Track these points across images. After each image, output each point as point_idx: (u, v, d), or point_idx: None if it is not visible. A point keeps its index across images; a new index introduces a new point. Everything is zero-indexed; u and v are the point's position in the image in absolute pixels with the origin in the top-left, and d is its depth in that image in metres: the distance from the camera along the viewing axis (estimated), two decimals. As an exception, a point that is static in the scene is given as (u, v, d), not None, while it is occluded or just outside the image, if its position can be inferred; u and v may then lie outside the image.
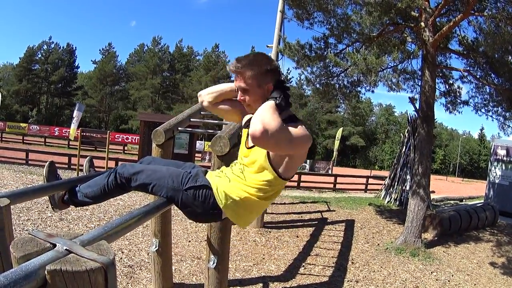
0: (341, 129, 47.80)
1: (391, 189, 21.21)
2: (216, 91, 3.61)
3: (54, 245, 1.76)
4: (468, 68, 14.83)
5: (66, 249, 1.71)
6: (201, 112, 8.58)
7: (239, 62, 3.09)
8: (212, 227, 6.25)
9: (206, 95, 3.63)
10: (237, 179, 3.23)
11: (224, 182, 3.24)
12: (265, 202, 3.29)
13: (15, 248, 1.68)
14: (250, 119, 3.02)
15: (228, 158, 5.89)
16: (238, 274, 8.36)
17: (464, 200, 27.19)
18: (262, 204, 3.28)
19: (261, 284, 8.00)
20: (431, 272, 10.29)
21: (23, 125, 66.77)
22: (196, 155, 32.28)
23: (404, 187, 20.34)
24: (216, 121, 10.01)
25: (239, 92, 3.18)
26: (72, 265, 1.58)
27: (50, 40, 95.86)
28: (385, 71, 14.26)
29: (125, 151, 44.08)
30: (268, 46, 16.86)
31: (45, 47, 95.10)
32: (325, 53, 14.50)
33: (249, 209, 3.27)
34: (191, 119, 7.91)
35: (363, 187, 27.42)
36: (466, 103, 15.98)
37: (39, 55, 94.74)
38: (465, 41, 14.36)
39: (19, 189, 3.44)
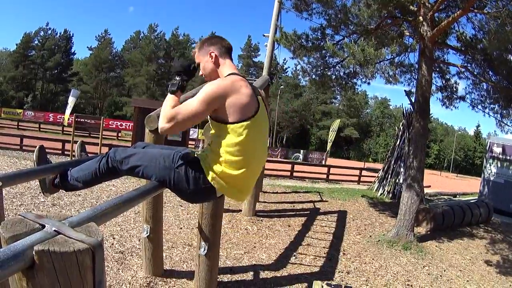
0: (338, 120, 47.97)
1: (384, 181, 21.29)
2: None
3: (43, 226, 1.76)
4: (466, 64, 14.83)
5: (54, 230, 1.71)
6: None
7: (199, 41, 3.57)
8: (203, 214, 6.28)
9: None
10: (212, 150, 3.40)
11: (206, 156, 3.39)
12: (243, 165, 3.35)
13: (4, 229, 1.68)
14: None
15: None
16: (229, 262, 8.37)
17: (458, 196, 27.29)
18: (240, 173, 3.35)
19: (252, 272, 8.00)
20: (423, 266, 10.29)
21: (18, 111, 66.87)
22: (190, 142, 32.39)
23: (397, 180, 20.42)
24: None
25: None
26: (60, 246, 1.58)
27: (47, 27, 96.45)
28: (382, 63, 14.28)
29: (119, 138, 44.27)
30: (264, 35, 16.90)
31: (42, 33, 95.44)
32: (322, 43, 14.51)
33: (233, 178, 3.35)
34: (186, 105, 7.90)
35: (356, 178, 27.43)
36: (462, 98, 15.99)
37: (36, 42, 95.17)
38: (463, 38, 14.34)
39: (10, 171, 3.43)
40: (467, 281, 9.97)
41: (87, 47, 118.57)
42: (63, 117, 35.74)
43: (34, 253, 1.52)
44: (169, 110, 3.22)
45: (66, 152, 21.59)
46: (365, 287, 8.14)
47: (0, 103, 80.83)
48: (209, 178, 3.30)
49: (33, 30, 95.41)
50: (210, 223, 6.34)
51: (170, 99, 3.35)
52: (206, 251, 6.35)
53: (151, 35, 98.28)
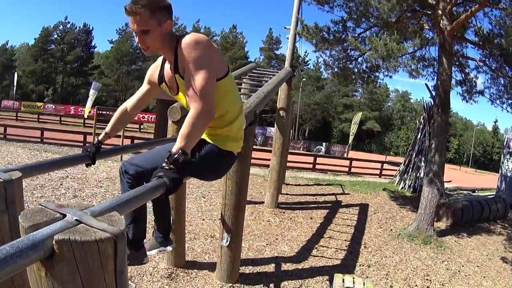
0: (360, 113, 47.83)
1: (405, 175, 21.21)
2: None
3: (64, 216, 1.75)
4: (484, 59, 14.73)
5: (76, 219, 1.70)
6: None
7: (136, 3, 3.00)
8: (226, 205, 6.34)
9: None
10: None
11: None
12: (235, 116, 3.48)
13: (24, 218, 1.68)
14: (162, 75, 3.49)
15: (244, 136, 5.89)
16: (251, 254, 8.41)
17: (476, 191, 27.05)
18: (236, 124, 3.51)
19: (273, 264, 8.03)
20: (442, 261, 10.24)
21: (38, 104, 67.12)
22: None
23: (418, 174, 20.31)
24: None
25: (138, 35, 3.12)
26: (81, 235, 1.57)
27: (66, 21, 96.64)
28: (404, 57, 14.20)
29: (141, 130, 44.37)
30: (286, 28, 16.88)
31: (61, 27, 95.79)
32: (343, 36, 14.49)
33: (233, 132, 3.49)
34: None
35: (377, 172, 27.31)
36: (481, 93, 15.88)
37: (55, 35, 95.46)
38: (480, 32, 14.25)
39: (31, 162, 3.44)
40: (484, 277, 9.91)
41: (108, 40, 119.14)
42: (84, 110, 35.91)
43: (54, 242, 1.52)
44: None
45: (87, 145, 21.70)
46: (385, 281, 8.11)
47: (20, 97, 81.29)
48: (217, 144, 3.37)
49: (52, 24, 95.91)
50: (233, 215, 6.39)
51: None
52: (228, 242, 6.40)
53: (172, 28, 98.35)
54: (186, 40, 3.08)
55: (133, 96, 3.92)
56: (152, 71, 3.69)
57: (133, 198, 2.33)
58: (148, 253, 3.83)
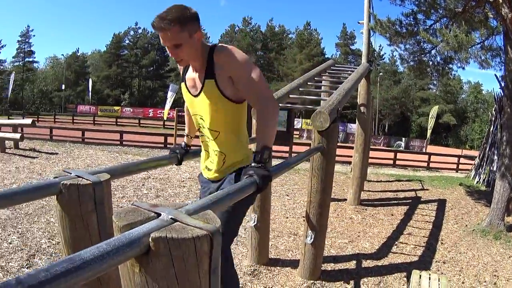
0: (436, 106, 47.31)
1: (480, 169, 20.85)
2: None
3: (159, 215, 1.83)
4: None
5: (171, 218, 1.77)
6: (300, 89, 8.63)
7: (164, 18, 2.99)
8: (311, 202, 6.34)
9: None
10: (233, 142, 3.42)
11: (237, 149, 3.45)
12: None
13: (118, 218, 1.77)
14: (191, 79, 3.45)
15: (328, 133, 6.01)
16: (333, 251, 8.43)
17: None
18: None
19: (354, 261, 7.99)
20: (509, 257, 10.03)
21: (116, 108, 69.13)
22: (294, 132, 32.35)
23: (492, 168, 19.97)
24: (315, 97, 10.03)
25: (171, 50, 3.14)
26: (178, 232, 1.64)
27: (137, 26, 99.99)
28: (474, 47, 14.02)
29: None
30: (359, 23, 16.86)
31: (132, 33, 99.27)
32: (415, 29, 14.41)
33: (241, 141, 3.49)
34: (290, 95, 7.98)
35: (454, 166, 26.97)
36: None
37: (127, 41, 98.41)
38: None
39: (118, 164, 3.57)
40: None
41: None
42: (163, 112, 36.53)
43: (150, 239, 1.59)
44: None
45: (168, 146, 22.34)
46: (458, 277, 8.01)
47: (95, 102, 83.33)
48: (246, 163, 3.42)
49: (122, 31, 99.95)
50: (317, 212, 6.39)
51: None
52: (312, 240, 6.41)
53: (246, 28, 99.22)
54: (225, 48, 3.22)
55: None
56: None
57: (225, 196, 2.43)
58: None
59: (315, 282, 6.69)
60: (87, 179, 2.56)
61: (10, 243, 6.80)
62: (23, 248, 6.63)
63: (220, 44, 3.26)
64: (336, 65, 14.62)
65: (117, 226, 1.75)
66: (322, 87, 11.35)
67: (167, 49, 3.16)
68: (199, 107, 3.40)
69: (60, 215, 2.61)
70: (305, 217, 6.49)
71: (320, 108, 6.10)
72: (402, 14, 14.78)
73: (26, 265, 6.01)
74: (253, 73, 3.16)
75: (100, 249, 1.42)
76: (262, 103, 3.12)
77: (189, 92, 3.47)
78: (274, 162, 5.91)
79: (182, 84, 3.57)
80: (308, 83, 10.11)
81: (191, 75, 3.43)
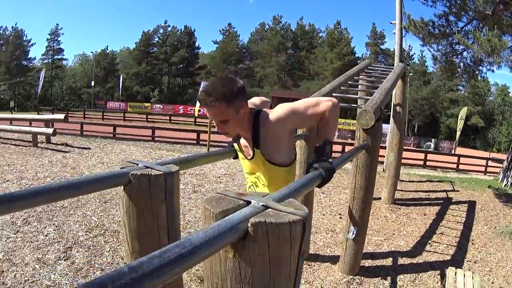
0: (465, 108, 47.05)
1: (508, 172, 20.79)
2: None
3: (248, 202, 1.91)
4: None
5: (262, 205, 1.86)
6: (341, 87, 8.74)
7: (210, 95, 2.96)
8: (355, 199, 6.46)
9: None
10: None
11: None
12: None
13: (211, 205, 1.85)
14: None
15: (373, 131, 6.12)
16: (370, 248, 8.53)
17: None
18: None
19: (390, 258, 8.15)
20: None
21: (146, 104, 69.19)
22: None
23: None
24: (354, 96, 10.13)
25: (216, 123, 3.14)
26: (275, 217, 1.72)
27: (166, 24, 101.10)
28: (504, 51, 14.05)
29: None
30: (391, 23, 17.00)
31: (161, 31, 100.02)
32: (447, 30, 14.46)
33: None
34: (333, 94, 8.09)
35: (483, 169, 26.89)
36: None
37: (156, 39, 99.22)
38: None
39: (185, 156, 3.68)
40: None
41: (212, 40, 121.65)
42: (194, 109, 36.62)
43: (249, 224, 1.68)
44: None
45: (200, 142, 22.60)
46: (488, 277, 8.08)
47: (125, 98, 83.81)
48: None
49: (151, 28, 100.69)
50: (360, 208, 6.49)
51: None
52: (354, 235, 6.51)
53: (276, 26, 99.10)
54: (268, 120, 3.18)
55: None
56: None
57: (301, 187, 2.55)
58: None
59: (354, 277, 6.82)
60: (158, 170, 2.64)
61: (46, 235, 6.92)
62: (59, 240, 6.76)
63: (262, 114, 3.24)
64: (372, 65, 14.71)
65: (212, 213, 1.81)
66: (359, 86, 11.43)
67: (214, 121, 3.17)
68: (253, 169, 3.55)
69: (126, 206, 2.69)
70: (348, 213, 6.59)
71: (365, 106, 6.22)
72: (435, 15, 14.87)
73: (63, 257, 6.13)
74: (299, 114, 3.19)
75: (207, 234, 1.50)
76: (321, 109, 3.16)
77: (243, 154, 3.56)
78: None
79: (236, 145, 3.66)
80: (348, 82, 10.22)
81: (243, 141, 3.50)
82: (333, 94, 8.10)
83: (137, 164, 2.76)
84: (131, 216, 2.69)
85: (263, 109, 3.29)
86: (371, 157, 6.34)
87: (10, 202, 1.94)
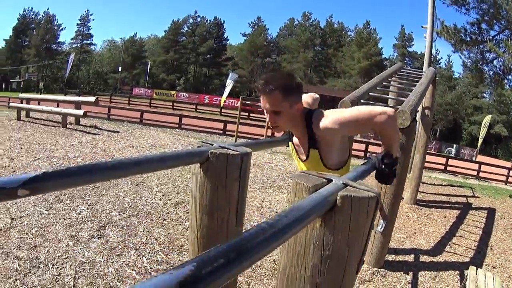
0: (489, 116, 46.63)
1: (529, 183, 20.87)
2: None
3: (330, 180, 2.15)
4: None
5: (343, 183, 2.11)
6: (377, 88, 9.02)
7: (269, 83, 3.00)
8: (386, 193, 6.74)
9: None
10: None
11: None
12: None
13: (305, 180, 2.09)
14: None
15: (408, 131, 6.42)
16: (393, 244, 8.77)
17: None
18: None
19: (412, 255, 8.41)
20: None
21: (172, 92, 69.37)
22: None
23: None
24: (387, 96, 10.38)
25: (268, 114, 3.13)
26: (357, 193, 1.97)
27: (196, 14, 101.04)
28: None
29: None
30: (423, 27, 17.06)
31: (191, 20, 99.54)
32: (479, 38, 14.63)
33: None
34: (370, 93, 8.37)
35: (504, 178, 26.76)
36: None
37: (185, 28, 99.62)
38: None
39: (254, 140, 3.91)
40: None
41: (241, 33, 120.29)
42: (220, 99, 36.69)
43: (338, 197, 1.92)
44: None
45: (227, 132, 22.81)
46: (507, 283, 8.30)
47: (151, 85, 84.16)
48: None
49: (181, 18, 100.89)
50: (391, 202, 6.80)
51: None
52: (383, 229, 6.82)
53: (306, 23, 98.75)
54: (323, 122, 3.11)
55: None
56: None
57: (363, 171, 2.92)
58: None
59: (379, 270, 7.16)
60: (235, 150, 2.86)
61: (79, 214, 7.18)
62: (92, 219, 7.03)
63: (315, 114, 3.19)
64: (404, 68, 14.93)
65: (305, 187, 2.02)
66: (391, 87, 11.64)
67: (264, 111, 3.18)
68: (309, 168, 3.44)
69: (200, 182, 2.88)
70: (379, 207, 6.91)
71: (402, 107, 6.51)
72: (467, 23, 15.04)
73: (97, 235, 6.40)
74: (352, 127, 3.12)
75: (305, 205, 1.69)
76: (377, 123, 2.98)
77: (297, 153, 3.57)
78: (353, 161, 6.24)
79: (290, 144, 3.67)
80: (384, 83, 10.44)
81: (295, 139, 3.51)
82: (370, 94, 8.37)
83: (212, 144, 2.99)
84: (204, 192, 2.88)
85: (316, 110, 3.26)
86: (405, 155, 6.66)
87: (112, 169, 2.17)
